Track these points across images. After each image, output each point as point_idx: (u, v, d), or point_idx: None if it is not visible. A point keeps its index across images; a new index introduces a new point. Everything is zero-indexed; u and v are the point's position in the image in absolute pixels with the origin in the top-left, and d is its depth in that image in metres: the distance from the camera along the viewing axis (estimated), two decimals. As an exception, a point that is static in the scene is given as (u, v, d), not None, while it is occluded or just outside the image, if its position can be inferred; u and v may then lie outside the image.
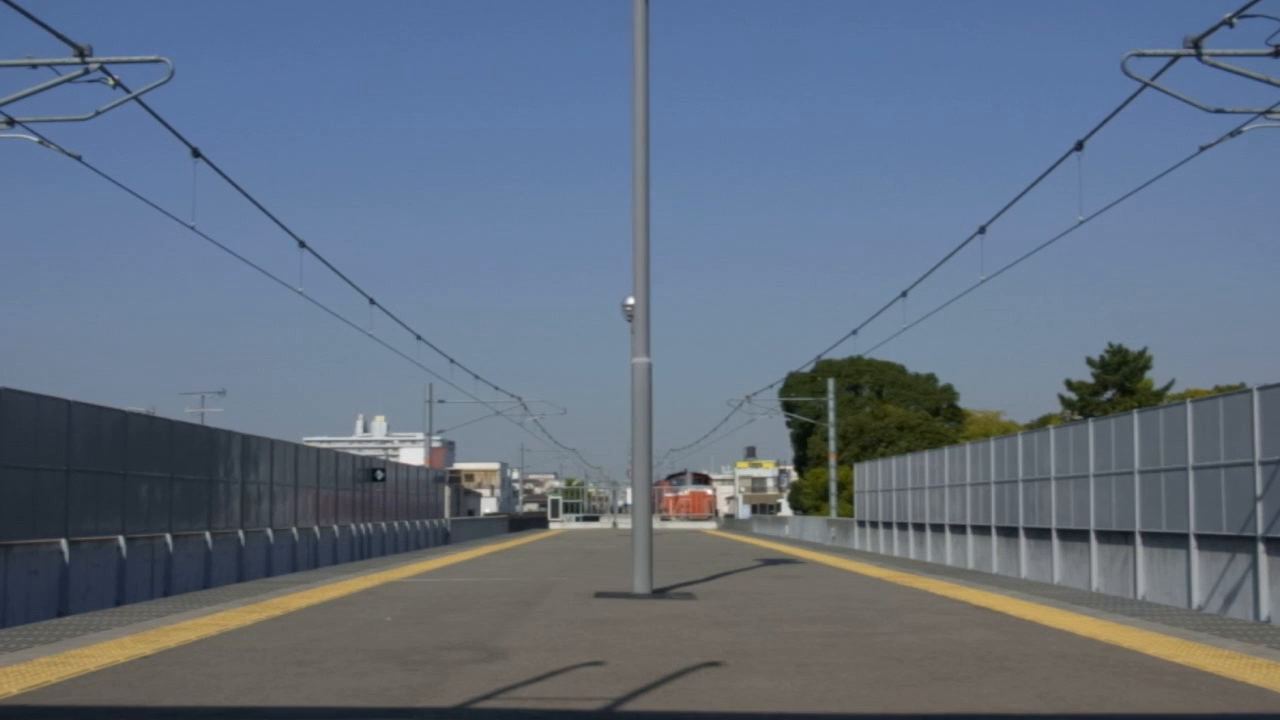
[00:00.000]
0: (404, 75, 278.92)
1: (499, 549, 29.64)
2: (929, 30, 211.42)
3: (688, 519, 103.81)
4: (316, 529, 35.50)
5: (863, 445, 67.43)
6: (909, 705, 6.41)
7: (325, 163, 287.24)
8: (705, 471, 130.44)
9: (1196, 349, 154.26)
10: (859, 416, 71.49)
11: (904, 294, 29.06)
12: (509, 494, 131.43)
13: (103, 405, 22.95)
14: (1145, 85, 15.67)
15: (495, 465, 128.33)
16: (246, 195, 21.09)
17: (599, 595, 13.59)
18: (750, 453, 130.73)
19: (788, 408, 72.39)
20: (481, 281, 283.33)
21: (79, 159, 17.55)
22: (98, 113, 16.52)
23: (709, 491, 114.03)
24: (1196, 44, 14.79)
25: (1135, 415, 24.77)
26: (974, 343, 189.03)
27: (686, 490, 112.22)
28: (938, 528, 38.56)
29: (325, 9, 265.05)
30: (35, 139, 16.75)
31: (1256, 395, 19.53)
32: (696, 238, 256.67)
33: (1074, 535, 27.77)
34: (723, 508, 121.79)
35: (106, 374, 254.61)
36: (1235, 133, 16.11)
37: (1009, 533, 32.09)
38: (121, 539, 22.82)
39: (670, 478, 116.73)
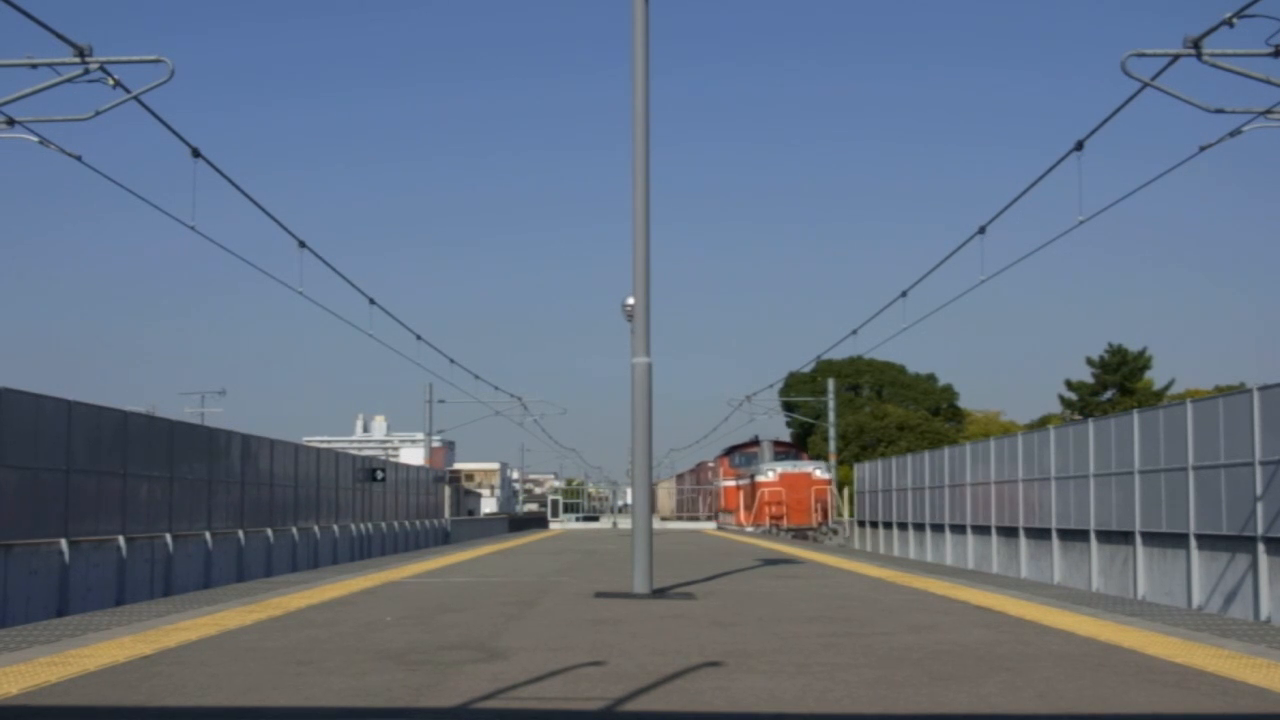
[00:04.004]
0: (404, 74, 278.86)
1: (499, 549, 29.64)
2: (928, 31, 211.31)
3: (779, 529, 49.06)
4: (316, 529, 35.49)
5: (863, 445, 67.41)
6: (909, 705, 6.41)
7: (326, 162, 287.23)
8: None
9: (1196, 349, 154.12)
10: (859, 416, 71.50)
11: (904, 294, 29.06)
12: (509, 494, 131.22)
13: (103, 405, 22.95)
14: (1145, 85, 15.67)
15: (495, 465, 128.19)
16: (246, 195, 21.09)
17: (599, 595, 13.59)
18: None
19: (788, 408, 72.35)
20: (481, 281, 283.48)
21: (79, 159, 17.55)
22: (98, 113, 16.53)
23: (818, 473, 51.77)
24: (1196, 44, 14.79)
25: (1135, 415, 24.77)
26: (974, 343, 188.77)
27: (772, 473, 51.64)
28: (938, 528, 38.51)
29: (325, 7, 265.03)
30: (35, 139, 16.75)
31: (1256, 395, 19.54)
32: (697, 237, 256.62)
33: (1074, 535, 27.76)
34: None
35: (106, 374, 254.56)
36: (1235, 133, 16.11)
37: (1009, 533, 32.07)
38: (121, 539, 22.81)
39: (730, 451, 61.72)
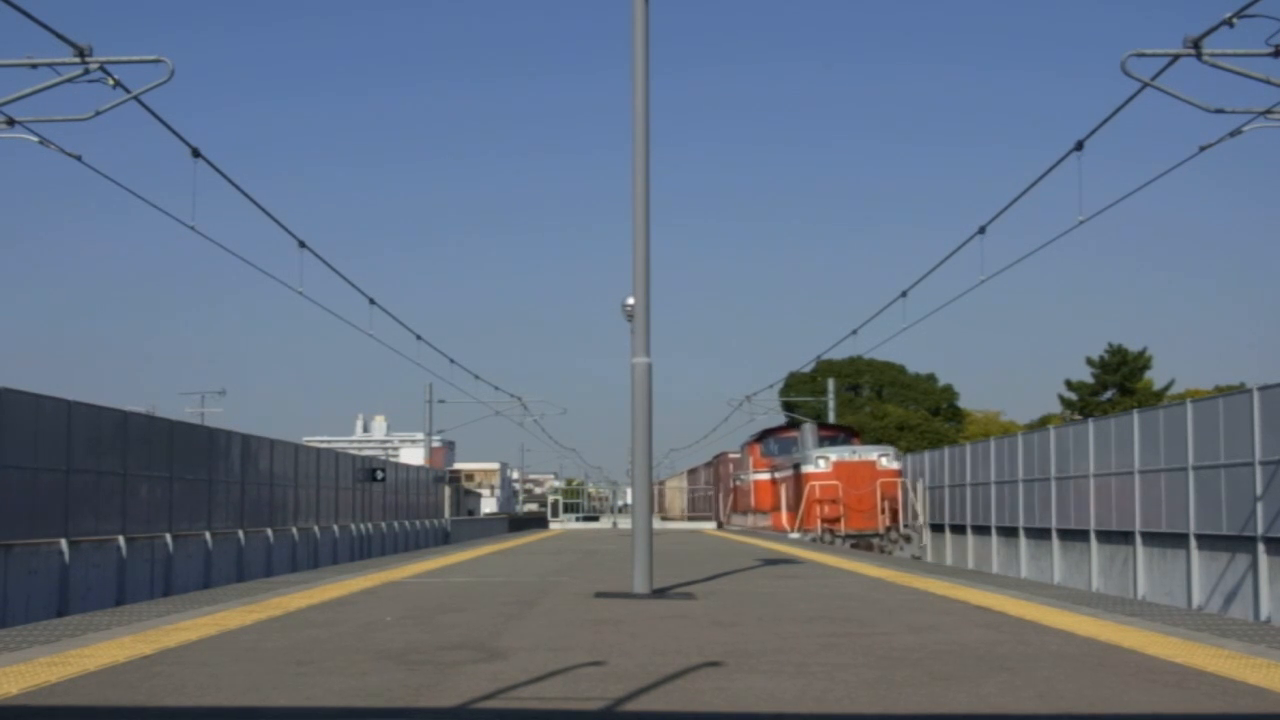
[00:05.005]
0: (405, 74, 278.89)
1: (499, 549, 29.63)
2: (928, 31, 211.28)
3: (833, 535, 36.32)
4: (316, 529, 35.50)
5: (863, 445, 67.35)
6: (909, 705, 6.41)
7: (326, 162, 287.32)
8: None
9: (1196, 349, 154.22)
10: (859, 416, 71.56)
11: (904, 294, 29.08)
12: (509, 494, 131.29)
13: (103, 405, 22.96)
14: (1145, 85, 15.68)
15: (495, 465, 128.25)
16: (246, 195, 21.11)
17: (599, 595, 13.58)
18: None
19: (788, 408, 72.30)
20: (481, 281, 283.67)
21: (79, 159, 17.56)
22: (98, 113, 16.54)
23: (884, 461, 38.03)
24: (1196, 44, 14.80)
25: (1135, 415, 24.78)
26: (974, 343, 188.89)
27: (824, 462, 37.77)
28: (937, 527, 38.45)
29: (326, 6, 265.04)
30: (35, 139, 16.76)
31: (1256, 395, 19.55)
32: (697, 237, 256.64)
33: (1074, 535, 27.76)
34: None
35: (106, 374, 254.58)
36: (1235, 133, 16.12)
37: (1009, 533, 32.04)
38: (121, 539, 22.82)
39: (763, 436, 49.03)
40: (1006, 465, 32.68)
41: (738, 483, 53.29)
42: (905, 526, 36.80)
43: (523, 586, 15.33)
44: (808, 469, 37.77)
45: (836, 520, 36.66)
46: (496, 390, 58.94)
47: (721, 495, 60.31)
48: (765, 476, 46.63)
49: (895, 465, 37.66)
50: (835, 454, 37.74)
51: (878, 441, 60.97)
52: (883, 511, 36.45)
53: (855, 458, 37.84)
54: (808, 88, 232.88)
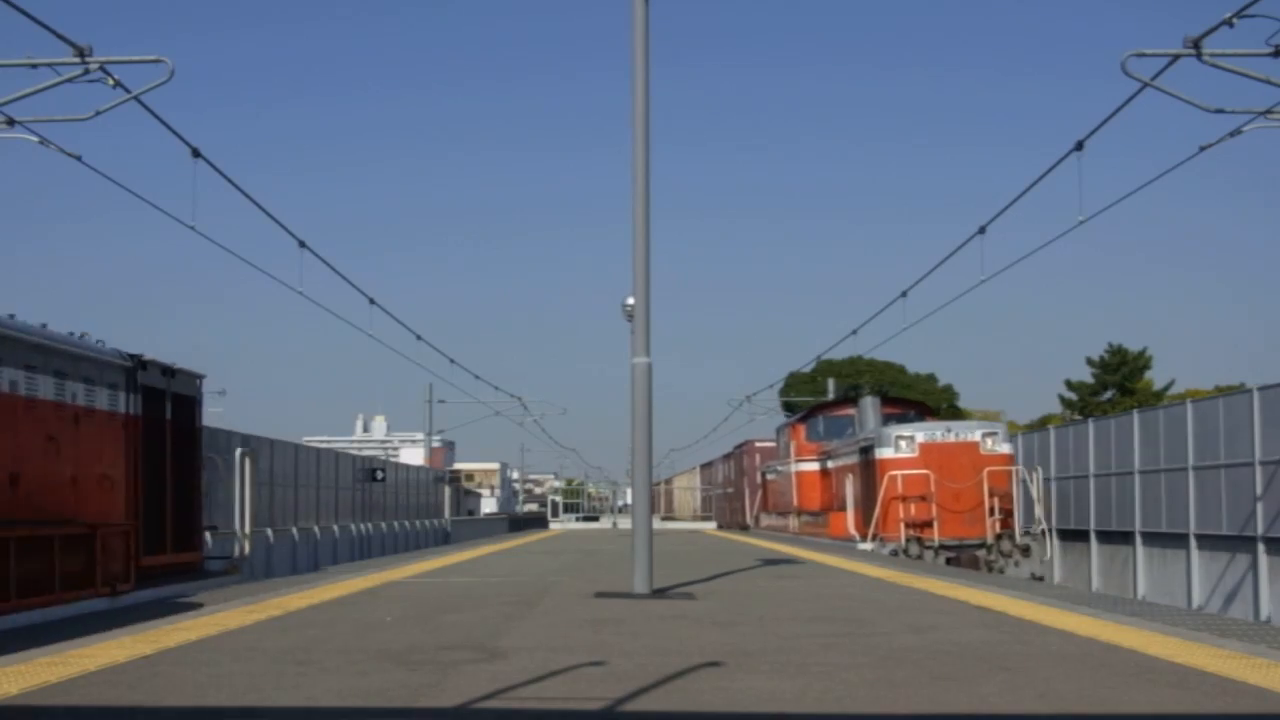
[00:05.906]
0: (405, 74, 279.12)
1: (499, 549, 29.64)
2: (928, 31, 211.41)
3: (921, 545, 25.66)
4: (316, 529, 35.50)
5: (863, 445, 67.06)
6: (909, 705, 6.41)
7: (326, 162, 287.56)
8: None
9: (1196, 349, 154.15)
10: (859, 416, 71.35)
11: (904, 294, 28.96)
12: (509, 494, 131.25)
13: (103, 405, 22.90)
14: (1145, 85, 15.68)
15: (495, 465, 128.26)
16: (246, 195, 21.07)
17: (599, 595, 13.58)
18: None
19: (788, 408, 72.27)
20: (481, 281, 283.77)
21: (79, 159, 17.54)
22: (98, 113, 16.51)
23: (990, 443, 26.61)
24: (1196, 44, 14.79)
25: (1135, 415, 24.80)
26: (974, 343, 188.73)
27: (905, 444, 27.07)
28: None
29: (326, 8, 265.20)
30: (35, 139, 16.74)
31: (1256, 395, 19.57)
32: (697, 237, 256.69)
33: (1074, 535, 27.74)
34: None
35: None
36: (1235, 133, 16.12)
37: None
38: (121, 539, 22.78)
39: (810, 415, 38.45)
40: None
41: (771, 476, 43.04)
42: (1024, 534, 26.69)
43: (523, 586, 15.33)
44: (884, 453, 28.00)
45: (927, 524, 27.01)
46: (496, 390, 58.92)
47: (749, 492, 49.53)
48: (812, 466, 36.50)
49: (1006, 449, 27.73)
50: (924, 433, 27.90)
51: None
52: (991, 512, 26.50)
53: (951, 438, 27.76)
54: (808, 88, 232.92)
